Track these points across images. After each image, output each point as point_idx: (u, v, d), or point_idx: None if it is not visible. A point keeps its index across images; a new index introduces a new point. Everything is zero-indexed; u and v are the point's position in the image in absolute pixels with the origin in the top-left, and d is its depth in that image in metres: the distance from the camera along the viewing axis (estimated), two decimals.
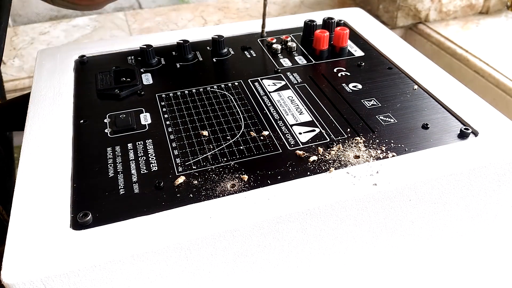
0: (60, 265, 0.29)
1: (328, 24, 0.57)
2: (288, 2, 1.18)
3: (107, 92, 0.47)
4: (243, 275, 0.35)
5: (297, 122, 0.43)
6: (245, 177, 0.36)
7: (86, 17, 1.17)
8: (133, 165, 0.37)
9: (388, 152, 0.39)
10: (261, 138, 0.41)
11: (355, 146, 0.39)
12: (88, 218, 0.32)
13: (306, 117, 0.43)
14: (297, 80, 0.49)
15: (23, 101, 0.52)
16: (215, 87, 0.48)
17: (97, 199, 0.34)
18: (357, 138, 0.40)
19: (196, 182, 0.36)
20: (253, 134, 0.41)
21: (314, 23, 0.57)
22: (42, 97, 0.46)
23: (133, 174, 0.37)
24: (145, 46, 0.52)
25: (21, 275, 0.29)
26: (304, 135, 0.41)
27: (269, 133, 0.41)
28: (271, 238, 0.34)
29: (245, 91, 0.47)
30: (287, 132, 0.41)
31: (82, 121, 0.43)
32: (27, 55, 0.96)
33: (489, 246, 0.46)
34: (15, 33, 1.06)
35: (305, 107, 0.45)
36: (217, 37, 0.54)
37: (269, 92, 0.47)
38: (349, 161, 0.38)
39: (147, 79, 0.50)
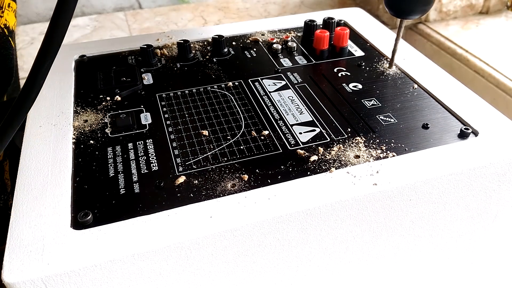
0: (60, 264, 0.29)
1: (328, 24, 0.57)
2: (288, 2, 1.18)
3: (108, 91, 0.47)
4: (243, 274, 0.35)
5: (297, 122, 0.43)
6: (245, 177, 0.36)
7: (86, 17, 1.17)
8: (133, 165, 0.38)
9: (388, 152, 0.39)
10: (262, 137, 0.41)
11: (355, 146, 0.40)
12: (88, 217, 0.32)
13: (307, 117, 0.43)
14: (297, 80, 0.49)
15: None
16: (215, 87, 0.48)
17: (97, 199, 0.34)
18: (357, 138, 0.40)
19: (196, 181, 0.36)
20: (253, 133, 0.41)
21: (314, 23, 0.57)
22: (43, 96, 0.46)
23: (133, 173, 0.37)
24: (145, 46, 0.52)
25: (22, 275, 0.29)
26: (304, 135, 0.41)
27: (270, 132, 0.41)
28: (272, 238, 0.34)
29: (246, 91, 0.48)
30: (288, 132, 0.41)
31: (82, 121, 0.43)
32: (27, 55, 0.96)
33: (489, 246, 0.46)
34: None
35: (305, 107, 0.45)
36: (217, 37, 0.54)
37: (270, 92, 0.47)
38: (349, 161, 0.38)
39: (147, 79, 0.50)
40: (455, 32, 0.98)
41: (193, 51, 0.55)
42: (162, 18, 1.12)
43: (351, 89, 0.48)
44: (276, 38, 0.58)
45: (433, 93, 0.46)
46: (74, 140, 0.40)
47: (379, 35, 0.59)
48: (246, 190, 0.35)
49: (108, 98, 0.46)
